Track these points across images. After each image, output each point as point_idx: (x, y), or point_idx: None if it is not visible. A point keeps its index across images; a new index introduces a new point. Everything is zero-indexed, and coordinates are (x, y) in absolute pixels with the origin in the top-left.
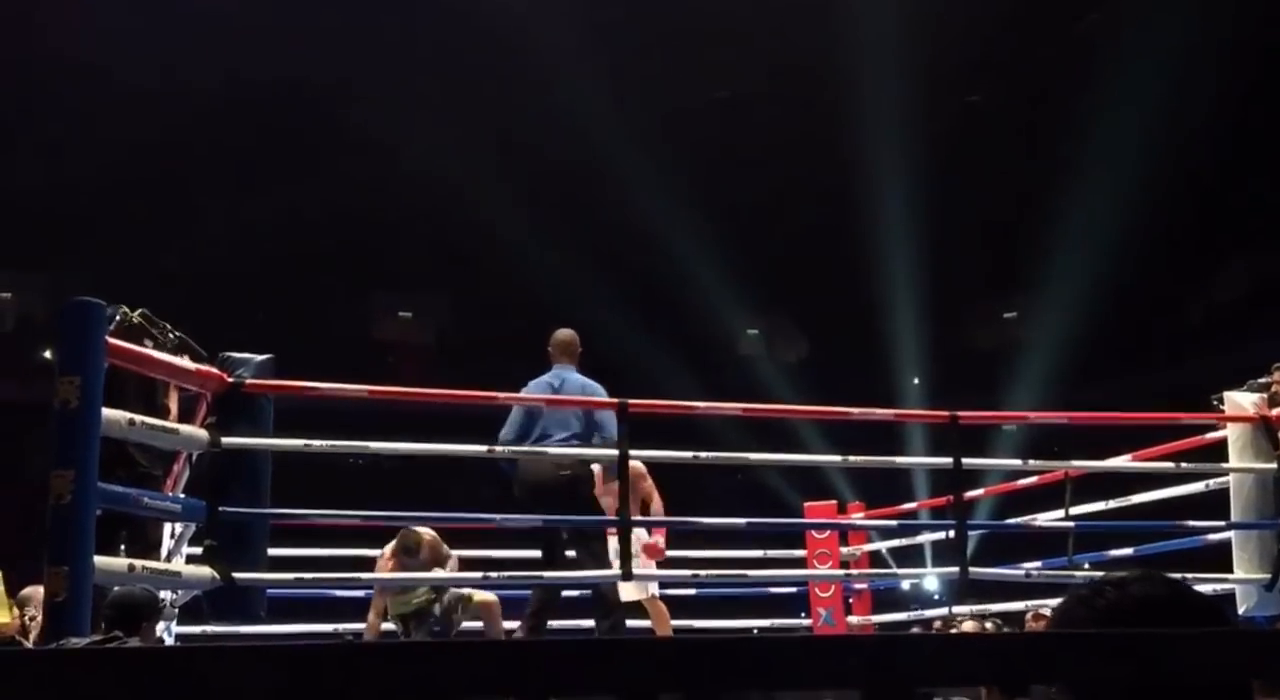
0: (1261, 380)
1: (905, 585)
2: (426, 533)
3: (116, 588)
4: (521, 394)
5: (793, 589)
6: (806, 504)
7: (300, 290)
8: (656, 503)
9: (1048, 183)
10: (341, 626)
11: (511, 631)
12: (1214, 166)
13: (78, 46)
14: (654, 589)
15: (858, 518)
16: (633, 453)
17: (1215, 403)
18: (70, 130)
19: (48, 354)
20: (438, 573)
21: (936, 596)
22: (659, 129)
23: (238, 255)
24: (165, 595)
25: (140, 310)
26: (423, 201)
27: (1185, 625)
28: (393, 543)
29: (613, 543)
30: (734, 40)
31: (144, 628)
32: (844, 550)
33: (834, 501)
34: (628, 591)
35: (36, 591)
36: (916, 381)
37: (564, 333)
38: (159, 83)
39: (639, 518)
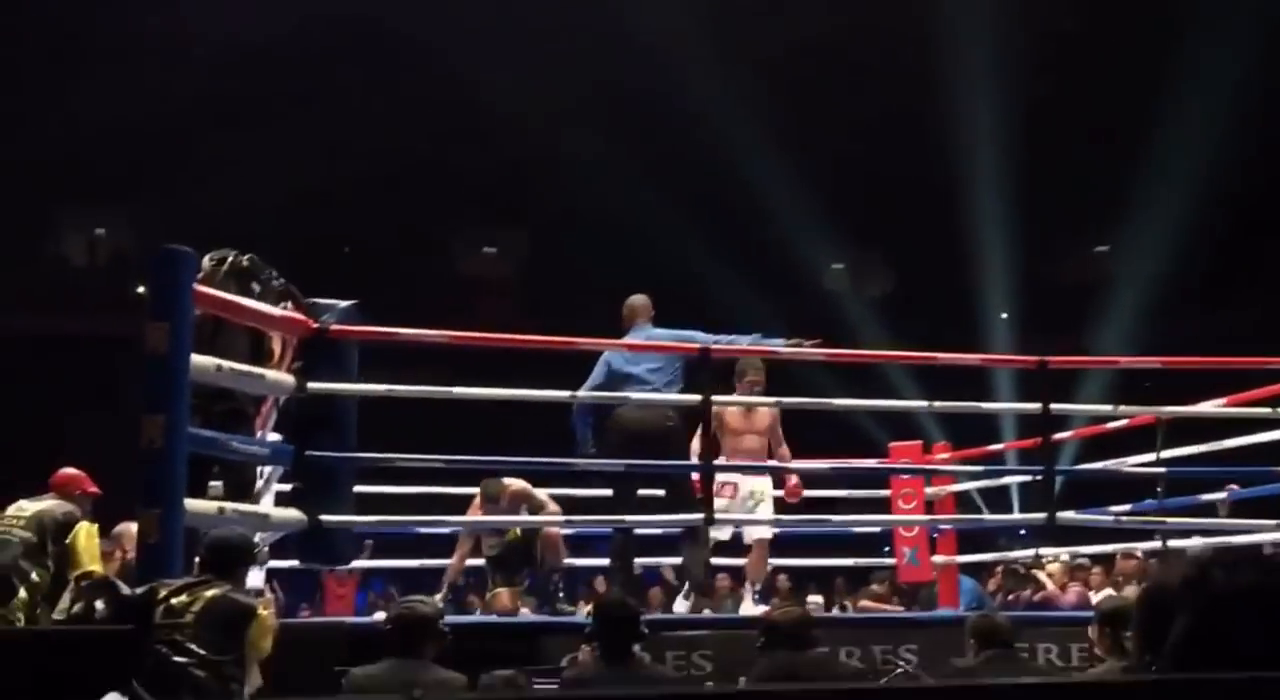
0: None
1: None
2: (514, 482)
3: (213, 530)
4: (600, 365)
5: (877, 528)
6: (891, 444)
7: (385, 225)
8: (784, 448)
9: (1141, 116)
10: (427, 562)
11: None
12: None
13: None
14: (765, 532)
15: (942, 459)
16: (714, 399)
17: None
18: (158, 65)
19: (141, 289)
20: (524, 517)
21: (1022, 532)
22: (746, 60)
23: (324, 190)
24: (256, 537)
25: (249, 255)
26: (505, 136)
27: None
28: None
29: (744, 487)
30: None
31: (238, 572)
32: (928, 491)
33: (919, 442)
34: (751, 533)
35: (130, 528)
36: (1005, 316)
37: (638, 297)
38: (242, 12)
39: (720, 462)
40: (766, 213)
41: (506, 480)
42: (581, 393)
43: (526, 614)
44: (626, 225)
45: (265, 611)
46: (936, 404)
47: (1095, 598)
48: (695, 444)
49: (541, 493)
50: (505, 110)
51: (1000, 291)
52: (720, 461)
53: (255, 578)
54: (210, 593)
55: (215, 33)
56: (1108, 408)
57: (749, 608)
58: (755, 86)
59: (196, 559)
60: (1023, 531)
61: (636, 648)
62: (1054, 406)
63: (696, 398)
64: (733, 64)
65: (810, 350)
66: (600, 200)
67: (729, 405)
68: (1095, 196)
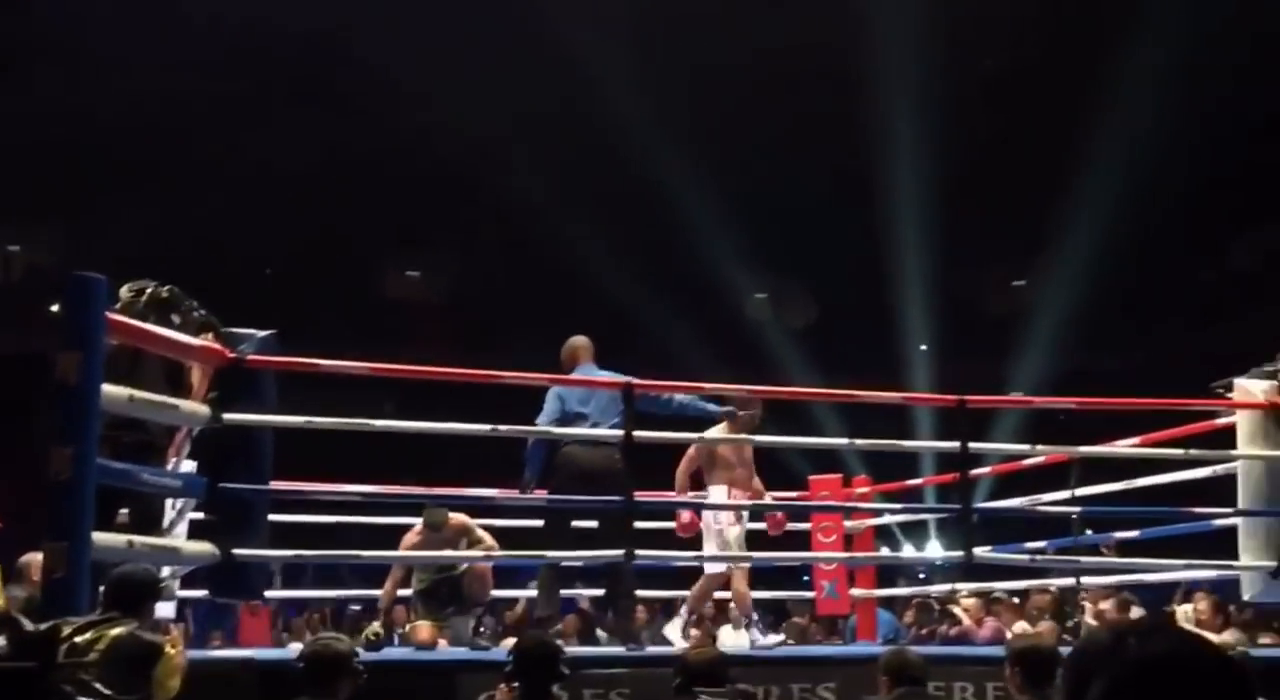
0: (1268, 368)
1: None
2: (456, 515)
3: (119, 567)
4: (552, 400)
5: (797, 562)
6: (811, 477)
7: (310, 248)
8: (756, 483)
9: (1063, 149)
10: (348, 592)
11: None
12: (1236, 134)
13: None
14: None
15: (862, 493)
16: (636, 434)
17: (1220, 390)
18: (80, 82)
19: (55, 307)
20: (449, 552)
21: (939, 563)
22: (674, 90)
23: (247, 211)
24: (165, 571)
25: (169, 287)
26: (435, 160)
27: (1206, 688)
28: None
29: (732, 531)
30: (752, 2)
31: (144, 608)
32: (848, 524)
33: (839, 475)
34: (712, 566)
35: (36, 558)
36: (924, 348)
37: (579, 338)
38: (175, 31)
39: (645, 498)
40: (693, 241)
41: (451, 512)
42: (537, 427)
43: (444, 647)
44: (550, 253)
45: (173, 650)
46: (858, 442)
47: (1009, 632)
48: (680, 477)
49: (479, 528)
50: (433, 133)
51: (922, 323)
52: (645, 497)
53: (166, 609)
54: (115, 631)
55: (135, 49)
56: (1025, 447)
57: (675, 637)
58: (685, 119)
59: (101, 591)
60: (939, 562)
61: (555, 687)
62: (972, 445)
63: (617, 433)
64: (657, 92)
65: (734, 387)
66: (526, 229)
67: (657, 442)
68: (1014, 232)
